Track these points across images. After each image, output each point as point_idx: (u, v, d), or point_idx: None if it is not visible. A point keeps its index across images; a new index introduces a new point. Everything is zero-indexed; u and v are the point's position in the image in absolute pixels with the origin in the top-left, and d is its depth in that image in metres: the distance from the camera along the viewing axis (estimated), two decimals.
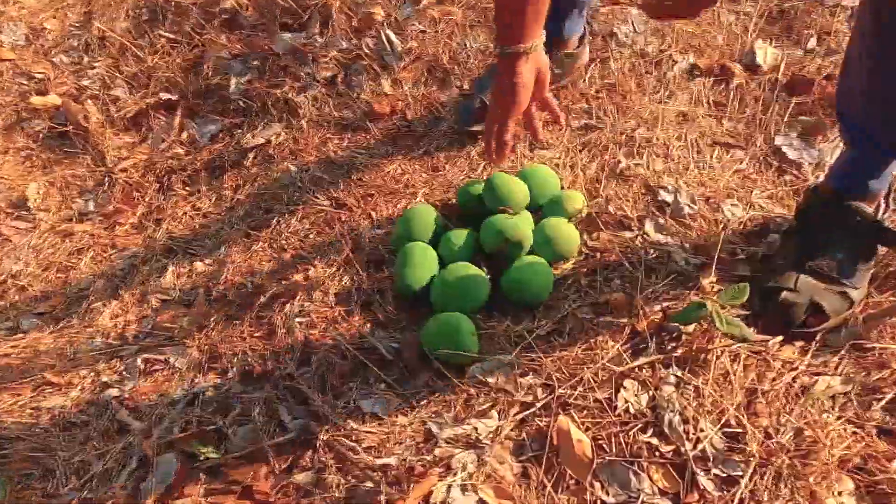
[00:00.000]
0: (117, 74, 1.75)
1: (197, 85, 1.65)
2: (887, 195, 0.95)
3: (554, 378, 0.88)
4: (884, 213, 0.94)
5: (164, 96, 1.66)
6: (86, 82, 1.78)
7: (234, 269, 1.18)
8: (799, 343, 0.90)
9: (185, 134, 1.59)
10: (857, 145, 0.93)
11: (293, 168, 1.35)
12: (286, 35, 1.59)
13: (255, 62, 1.60)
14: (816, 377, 0.86)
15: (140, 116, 1.67)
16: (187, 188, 1.48)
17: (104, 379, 1.04)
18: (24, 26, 1.97)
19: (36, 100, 1.77)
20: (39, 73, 1.85)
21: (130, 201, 1.52)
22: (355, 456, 0.84)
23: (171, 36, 1.75)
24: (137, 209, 1.49)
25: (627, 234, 1.04)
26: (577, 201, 1.08)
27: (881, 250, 0.94)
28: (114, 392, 1.01)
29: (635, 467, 0.79)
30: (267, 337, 1.03)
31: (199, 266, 1.25)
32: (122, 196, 1.53)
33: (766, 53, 1.29)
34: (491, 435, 0.83)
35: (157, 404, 0.98)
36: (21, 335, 1.22)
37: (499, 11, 0.88)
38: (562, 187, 1.12)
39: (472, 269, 0.99)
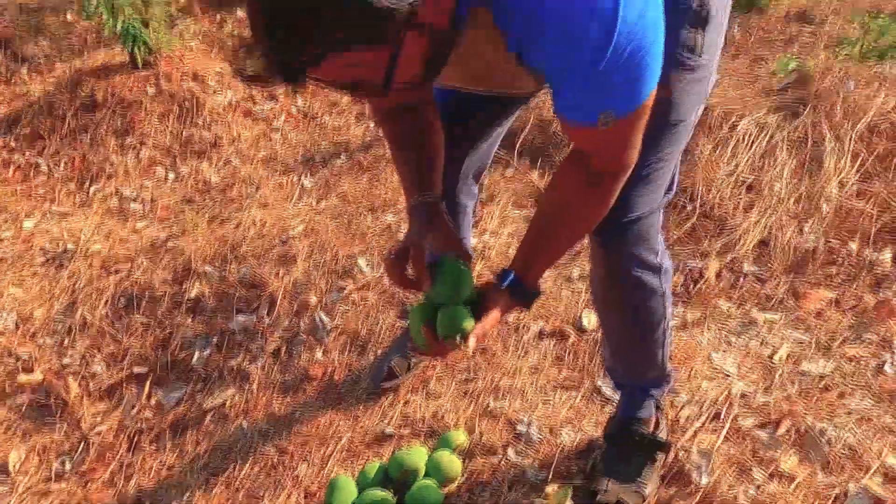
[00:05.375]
0: (97, 353, 2.13)
1: (165, 359, 2.05)
2: (659, 410, 1.40)
3: None
4: (657, 429, 1.39)
5: (137, 370, 2.04)
6: (67, 360, 2.15)
7: None
8: None
9: (153, 400, 1.95)
10: (619, 390, 1.40)
11: (245, 424, 1.72)
12: (240, 317, 2.06)
13: (215, 339, 2.03)
14: None
15: (114, 388, 2.03)
16: (154, 446, 1.80)
17: None
18: (14, 314, 2.37)
19: (23, 377, 2.11)
20: (25, 353, 2.21)
21: (103, 460, 1.81)
22: None
23: (145, 320, 2.19)
24: (109, 467, 1.78)
25: (495, 459, 1.44)
26: (461, 438, 1.49)
27: (662, 456, 1.37)
28: None
29: None
30: None
31: None
32: (96, 456, 1.83)
33: (590, 319, 1.82)
34: None
35: None
36: None
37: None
38: (448, 427, 1.54)
39: (382, 494, 1.35)
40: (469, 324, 1.01)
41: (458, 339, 1.01)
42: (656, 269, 1.16)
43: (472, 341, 1.00)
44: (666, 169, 1.11)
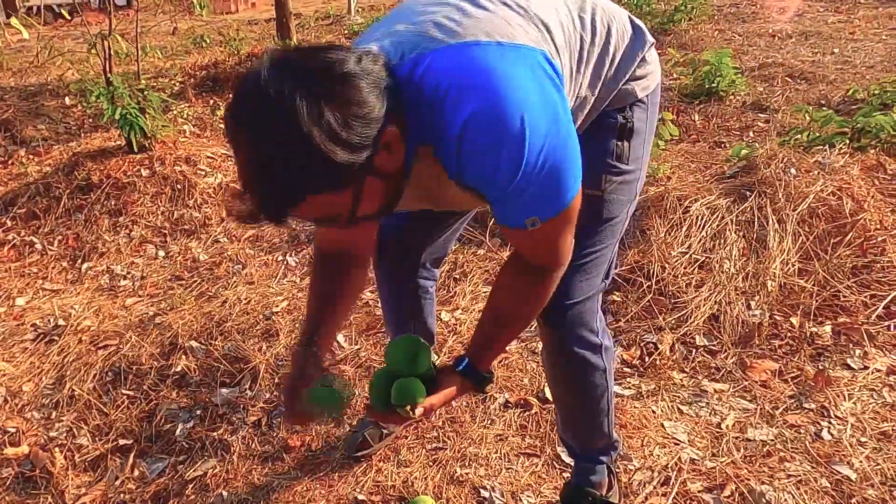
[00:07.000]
0: (83, 426, 2.21)
1: (149, 431, 2.13)
2: (611, 473, 1.51)
3: None
4: (609, 491, 1.49)
5: (122, 442, 2.12)
6: (54, 433, 2.22)
7: None
8: None
9: (136, 471, 2.02)
10: (572, 458, 1.52)
11: (225, 493, 1.80)
12: (224, 390, 2.16)
13: (199, 411, 2.13)
14: None
15: (99, 459, 2.10)
16: None
17: None
18: (3, 389, 2.45)
19: (8, 451, 2.17)
20: (13, 427, 2.28)
21: None
22: None
23: (131, 393, 2.28)
24: None
25: None
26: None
27: None
28: None
29: None
30: None
31: None
32: None
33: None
34: None
35: None
36: None
37: None
38: (417, 494, 1.64)
39: None
40: (420, 396, 1.14)
41: (407, 408, 1.13)
42: (596, 348, 1.31)
43: (418, 410, 1.12)
44: (602, 260, 1.27)
